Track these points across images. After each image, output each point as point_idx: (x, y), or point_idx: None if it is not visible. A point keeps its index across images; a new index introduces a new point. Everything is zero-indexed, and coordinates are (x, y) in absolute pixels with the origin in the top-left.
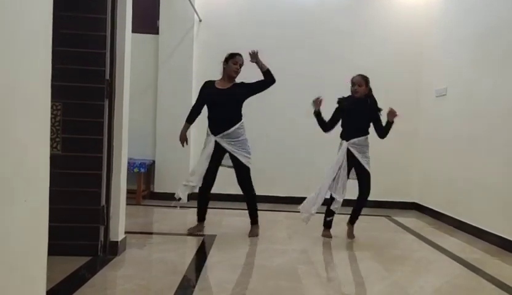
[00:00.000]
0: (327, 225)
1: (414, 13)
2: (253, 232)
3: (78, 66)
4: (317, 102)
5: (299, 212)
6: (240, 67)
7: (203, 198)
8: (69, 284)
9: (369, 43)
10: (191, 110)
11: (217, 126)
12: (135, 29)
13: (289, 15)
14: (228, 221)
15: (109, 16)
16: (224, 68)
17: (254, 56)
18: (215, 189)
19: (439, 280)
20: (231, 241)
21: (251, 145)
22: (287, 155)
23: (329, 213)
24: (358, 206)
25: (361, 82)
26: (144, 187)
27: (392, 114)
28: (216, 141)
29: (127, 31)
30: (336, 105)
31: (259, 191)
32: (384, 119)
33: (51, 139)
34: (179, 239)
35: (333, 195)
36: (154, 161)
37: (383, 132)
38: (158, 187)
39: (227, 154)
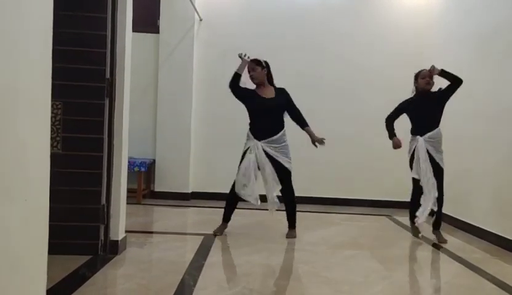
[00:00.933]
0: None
1: (414, 13)
2: (291, 234)
3: (78, 65)
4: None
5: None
6: (254, 70)
7: (234, 198)
8: (70, 283)
9: (369, 43)
10: (238, 85)
11: (262, 132)
12: (136, 28)
13: (290, 15)
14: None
15: (109, 15)
16: None
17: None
18: (217, 188)
19: (439, 280)
20: (231, 241)
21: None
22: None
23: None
24: (437, 209)
25: (431, 75)
26: (145, 186)
27: (434, 70)
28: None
29: (127, 30)
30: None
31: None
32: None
33: (51, 138)
34: (179, 239)
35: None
36: (154, 161)
37: (454, 80)
38: (158, 186)
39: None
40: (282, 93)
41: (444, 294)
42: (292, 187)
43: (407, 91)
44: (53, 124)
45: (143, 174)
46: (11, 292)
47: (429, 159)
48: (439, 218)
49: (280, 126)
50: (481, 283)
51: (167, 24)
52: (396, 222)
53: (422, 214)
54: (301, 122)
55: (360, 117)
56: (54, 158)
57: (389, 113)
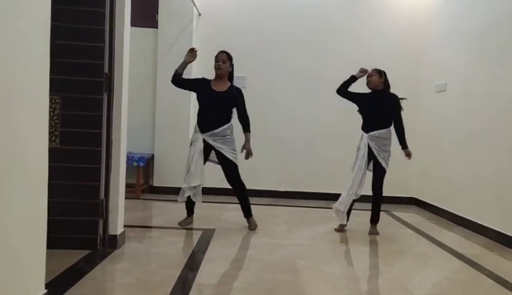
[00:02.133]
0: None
1: (414, 8)
2: (252, 225)
3: (77, 59)
4: (361, 72)
5: (297, 207)
6: (224, 62)
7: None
8: (68, 277)
9: (369, 39)
10: (182, 78)
11: (207, 125)
12: (134, 23)
13: (288, 10)
14: (226, 215)
15: (108, 9)
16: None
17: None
18: (214, 183)
19: (437, 275)
20: (230, 235)
21: (251, 140)
22: (286, 149)
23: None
24: (373, 205)
25: (373, 73)
26: (143, 181)
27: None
28: (203, 139)
29: (125, 25)
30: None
31: (258, 186)
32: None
33: (49, 133)
34: (178, 233)
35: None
36: (153, 155)
37: (399, 129)
38: (157, 181)
39: (213, 151)
40: (235, 91)
41: (442, 289)
42: (239, 178)
43: (407, 86)
44: (51, 118)
45: (142, 169)
46: (10, 286)
47: (373, 158)
48: (375, 214)
49: (226, 120)
50: (480, 279)
51: (166, 18)
52: (394, 217)
53: (340, 204)
54: (244, 125)
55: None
56: (52, 153)
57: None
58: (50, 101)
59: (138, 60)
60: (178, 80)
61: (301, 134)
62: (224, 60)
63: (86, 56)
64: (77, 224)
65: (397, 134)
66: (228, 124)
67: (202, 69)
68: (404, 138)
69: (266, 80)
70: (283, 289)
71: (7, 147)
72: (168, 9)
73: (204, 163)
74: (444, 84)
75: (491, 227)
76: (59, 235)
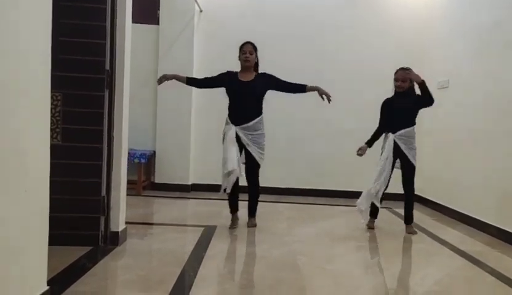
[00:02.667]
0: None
1: (416, 6)
2: (252, 223)
3: (78, 56)
4: (362, 152)
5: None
6: (251, 54)
7: (232, 189)
8: (70, 274)
9: (370, 36)
10: (201, 79)
11: (238, 117)
12: (135, 20)
13: (289, 7)
14: (228, 212)
15: (109, 6)
16: (240, 62)
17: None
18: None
19: (439, 272)
20: (231, 232)
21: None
22: (288, 147)
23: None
24: (405, 204)
25: (405, 78)
26: (145, 177)
27: (415, 77)
28: (236, 131)
29: (127, 21)
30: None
31: (260, 183)
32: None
33: (51, 130)
34: (179, 230)
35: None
36: (154, 152)
37: (427, 98)
38: (158, 178)
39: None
40: (262, 76)
41: (444, 287)
42: (257, 179)
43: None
44: (53, 115)
45: (143, 165)
46: (12, 282)
47: (401, 156)
48: (408, 213)
49: (257, 112)
50: (482, 276)
51: (167, 15)
52: (396, 214)
53: (360, 204)
54: (298, 88)
55: (360, 111)
56: (54, 150)
57: (378, 121)
58: (52, 98)
59: (139, 57)
60: (196, 84)
61: (302, 132)
62: (251, 51)
63: (87, 53)
64: (79, 220)
65: (426, 95)
66: (260, 117)
67: (204, 65)
68: (423, 93)
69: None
70: (284, 286)
71: (8, 143)
72: (169, 6)
73: (240, 152)
74: (446, 81)
75: (493, 224)
76: (60, 231)
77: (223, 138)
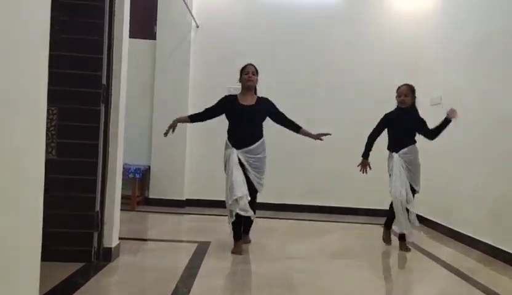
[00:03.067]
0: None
1: (410, 22)
2: (246, 240)
3: (74, 70)
4: (364, 166)
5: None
6: (254, 74)
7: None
8: (62, 291)
9: (367, 52)
10: (202, 112)
11: (239, 141)
12: (132, 34)
13: (287, 23)
14: (222, 228)
15: (106, 21)
16: (241, 84)
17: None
18: (211, 195)
19: (432, 289)
20: (225, 248)
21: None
22: (283, 161)
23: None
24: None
25: (408, 93)
26: (139, 192)
27: (453, 112)
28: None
29: (124, 36)
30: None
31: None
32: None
33: (46, 144)
34: (173, 246)
35: (408, 207)
36: (149, 167)
37: (433, 132)
38: (153, 193)
39: None
40: (263, 101)
41: None
42: (255, 204)
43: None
44: (48, 130)
45: (138, 180)
46: None
47: (407, 174)
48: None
49: (259, 135)
50: (473, 293)
51: (164, 30)
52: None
53: (408, 231)
54: (293, 126)
55: (357, 125)
56: (49, 165)
57: (373, 129)
58: (48, 111)
59: (135, 71)
60: (199, 119)
61: (297, 146)
62: (253, 72)
63: (84, 67)
64: (72, 236)
65: (435, 133)
66: (262, 139)
67: (201, 80)
68: (441, 124)
69: (263, 91)
70: None
71: (2, 158)
72: (166, 21)
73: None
74: (439, 97)
75: (486, 241)
76: (53, 247)
77: (225, 164)
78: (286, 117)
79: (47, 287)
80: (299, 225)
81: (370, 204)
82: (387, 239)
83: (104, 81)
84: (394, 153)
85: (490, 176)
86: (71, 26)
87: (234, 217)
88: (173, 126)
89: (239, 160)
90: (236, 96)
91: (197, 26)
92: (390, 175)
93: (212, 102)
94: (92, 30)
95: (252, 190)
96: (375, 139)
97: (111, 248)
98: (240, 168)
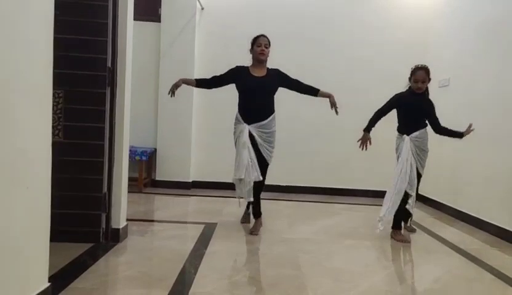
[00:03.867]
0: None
1: (418, 4)
2: (256, 227)
3: (80, 53)
4: (364, 141)
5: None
6: (267, 47)
7: (254, 188)
8: (72, 270)
9: (371, 34)
10: (209, 78)
11: (252, 115)
12: (137, 17)
13: (290, 5)
14: (228, 209)
15: (110, 3)
16: (252, 55)
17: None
18: (217, 177)
19: (438, 270)
20: (232, 229)
21: None
22: (287, 144)
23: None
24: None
25: (425, 78)
26: (146, 174)
27: (470, 132)
28: (249, 130)
29: (128, 19)
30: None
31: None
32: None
33: (53, 127)
34: (180, 227)
35: (408, 191)
36: (155, 149)
37: (441, 131)
38: (159, 175)
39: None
40: (274, 72)
41: (443, 285)
42: (264, 177)
43: (408, 83)
44: (54, 113)
45: (144, 163)
46: (13, 279)
47: (415, 158)
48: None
49: (271, 108)
50: (480, 274)
51: (169, 12)
52: None
53: (387, 213)
54: (311, 90)
55: (361, 109)
56: (55, 147)
57: (381, 106)
58: (53, 95)
59: (140, 54)
60: (205, 85)
61: (302, 129)
62: (266, 45)
63: (89, 50)
64: (80, 217)
65: (444, 133)
66: (274, 114)
67: (206, 62)
68: (454, 131)
69: None
70: (285, 283)
71: (10, 141)
72: (170, 3)
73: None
74: (447, 79)
75: (492, 222)
76: (62, 228)
77: (235, 140)
78: (302, 83)
79: (57, 267)
80: (304, 207)
81: (375, 186)
82: (409, 229)
83: (109, 64)
84: (405, 136)
85: (498, 157)
86: (76, 8)
87: (244, 198)
88: (176, 86)
89: (251, 135)
90: (247, 67)
91: (202, 8)
92: (398, 157)
93: None
94: (96, 13)
95: (263, 163)
96: (380, 117)
97: (118, 229)
98: (247, 148)
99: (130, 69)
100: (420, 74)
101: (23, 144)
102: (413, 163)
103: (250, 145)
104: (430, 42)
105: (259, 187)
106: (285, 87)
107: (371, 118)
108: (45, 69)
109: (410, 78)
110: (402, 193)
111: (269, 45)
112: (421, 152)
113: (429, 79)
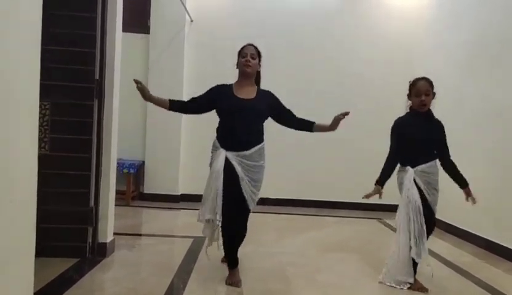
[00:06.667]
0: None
1: (405, 21)
2: (234, 279)
3: (67, 65)
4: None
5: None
6: (253, 58)
7: (227, 236)
8: (57, 286)
9: (360, 49)
10: (187, 101)
11: (232, 143)
12: (126, 29)
13: (280, 18)
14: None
15: (99, 14)
16: (238, 70)
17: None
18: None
19: (427, 283)
20: (220, 244)
21: None
22: (276, 157)
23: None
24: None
25: (429, 90)
26: (134, 188)
27: (473, 199)
28: (226, 157)
29: (117, 30)
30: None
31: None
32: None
33: (39, 139)
34: (168, 241)
35: (414, 257)
36: (143, 162)
37: (450, 164)
38: (147, 188)
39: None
40: (266, 95)
41: None
42: (245, 224)
43: (398, 96)
44: (41, 125)
45: (132, 176)
46: None
47: (421, 198)
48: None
49: (258, 138)
50: (469, 287)
51: (158, 24)
52: (386, 225)
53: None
54: (305, 124)
55: (351, 121)
56: (42, 159)
57: (390, 147)
58: (40, 106)
59: (129, 66)
60: (181, 108)
61: (291, 141)
62: (253, 55)
63: (77, 62)
64: (66, 231)
65: (450, 171)
66: (261, 144)
67: (195, 74)
68: (461, 174)
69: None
70: None
71: None
72: (160, 15)
73: (229, 191)
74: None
75: (480, 235)
76: (48, 242)
77: (210, 166)
78: (295, 116)
79: (42, 283)
80: (292, 220)
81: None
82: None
83: (97, 75)
84: (408, 167)
85: (485, 171)
86: (64, 20)
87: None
88: (142, 90)
89: (230, 165)
90: (231, 85)
91: (191, 20)
92: (403, 204)
93: None
94: (84, 24)
95: (243, 206)
96: (395, 161)
97: (105, 243)
98: (220, 177)
99: (119, 81)
100: (422, 85)
101: (9, 157)
102: (413, 199)
103: (222, 178)
104: (416, 56)
105: (236, 240)
106: (274, 117)
107: (384, 168)
108: (32, 80)
109: (409, 96)
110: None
111: (258, 56)
112: (430, 191)
113: (434, 94)
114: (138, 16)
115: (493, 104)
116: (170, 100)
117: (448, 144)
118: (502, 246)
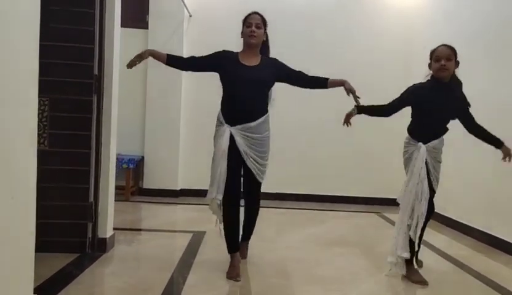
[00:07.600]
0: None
1: (405, 14)
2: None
3: (66, 60)
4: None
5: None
6: (259, 28)
7: (229, 215)
8: (57, 282)
9: (360, 42)
10: (187, 58)
11: (237, 114)
12: (124, 24)
13: (280, 12)
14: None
15: (97, 10)
16: (243, 40)
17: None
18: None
19: (426, 276)
20: (221, 238)
21: None
22: (276, 151)
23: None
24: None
25: (451, 56)
26: (133, 183)
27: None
28: (231, 133)
29: (115, 26)
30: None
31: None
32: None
33: (38, 135)
34: (168, 236)
35: (411, 235)
36: (143, 157)
37: (479, 128)
38: (147, 183)
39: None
40: (269, 62)
41: (430, 291)
42: (258, 198)
43: (398, 90)
44: (40, 120)
45: (132, 171)
46: None
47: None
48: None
49: (263, 108)
50: (467, 280)
51: (156, 19)
52: (385, 219)
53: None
54: (319, 82)
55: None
56: (41, 155)
57: (392, 100)
58: (39, 102)
59: (128, 61)
60: (180, 65)
61: (291, 135)
62: (258, 24)
63: (75, 58)
64: (66, 227)
65: (480, 136)
66: (266, 115)
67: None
68: (492, 135)
69: None
70: (274, 293)
71: None
72: (158, 10)
73: (240, 168)
74: None
75: (479, 228)
76: (47, 238)
77: (215, 143)
78: (307, 75)
79: (42, 278)
80: (293, 214)
81: (364, 193)
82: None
83: (96, 71)
84: (421, 144)
85: (484, 164)
86: (62, 15)
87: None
88: (140, 57)
89: (234, 142)
90: (236, 53)
91: (190, 15)
92: (406, 172)
93: (205, 92)
94: (83, 20)
95: (253, 183)
96: (385, 113)
97: (105, 239)
98: (225, 158)
99: (117, 76)
100: (442, 50)
101: (8, 153)
102: (424, 179)
103: (229, 157)
104: (416, 51)
105: (252, 212)
106: (283, 81)
107: (373, 107)
108: (31, 76)
109: (429, 65)
110: (423, 219)
111: (264, 25)
112: (436, 164)
113: (457, 62)
114: (137, 11)
115: (493, 98)
116: (167, 54)
117: (449, 142)
118: (501, 239)
